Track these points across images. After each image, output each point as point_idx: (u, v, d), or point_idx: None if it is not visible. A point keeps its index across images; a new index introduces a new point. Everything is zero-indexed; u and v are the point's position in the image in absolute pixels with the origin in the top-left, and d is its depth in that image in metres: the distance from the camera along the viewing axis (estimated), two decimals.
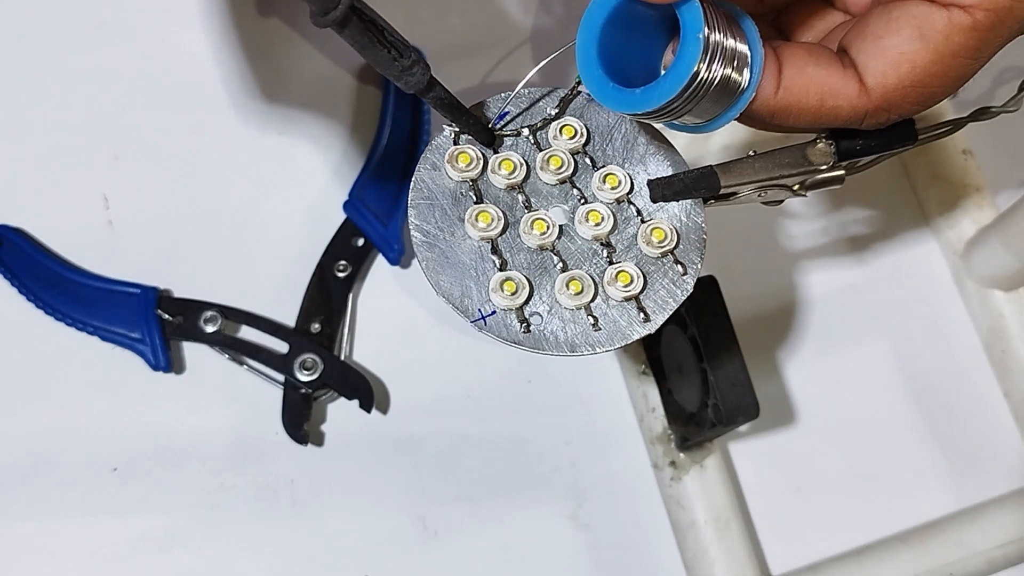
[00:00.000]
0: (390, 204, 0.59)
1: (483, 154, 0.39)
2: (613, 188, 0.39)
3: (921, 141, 0.37)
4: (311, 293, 0.58)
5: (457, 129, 0.39)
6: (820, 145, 0.37)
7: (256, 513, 0.55)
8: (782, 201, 0.39)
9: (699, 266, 0.38)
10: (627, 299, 0.37)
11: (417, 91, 0.36)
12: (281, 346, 0.57)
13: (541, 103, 0.40)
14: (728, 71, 0.33)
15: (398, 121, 0.60)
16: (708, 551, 0.54)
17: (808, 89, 0.34)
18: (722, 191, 0.37)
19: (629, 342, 0.37)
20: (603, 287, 0.37)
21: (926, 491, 0.60)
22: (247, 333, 0.57)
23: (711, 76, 0.33)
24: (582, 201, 0.39)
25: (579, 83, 0.40)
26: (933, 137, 0.38)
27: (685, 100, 0.33)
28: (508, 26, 0.65)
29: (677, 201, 0.38)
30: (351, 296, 0.59)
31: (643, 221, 0.39)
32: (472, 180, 0.39)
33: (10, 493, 0.54)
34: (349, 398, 0.56)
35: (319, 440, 0.57)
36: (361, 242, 0.59)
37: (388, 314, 0.59)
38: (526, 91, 0.40)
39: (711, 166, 0.37)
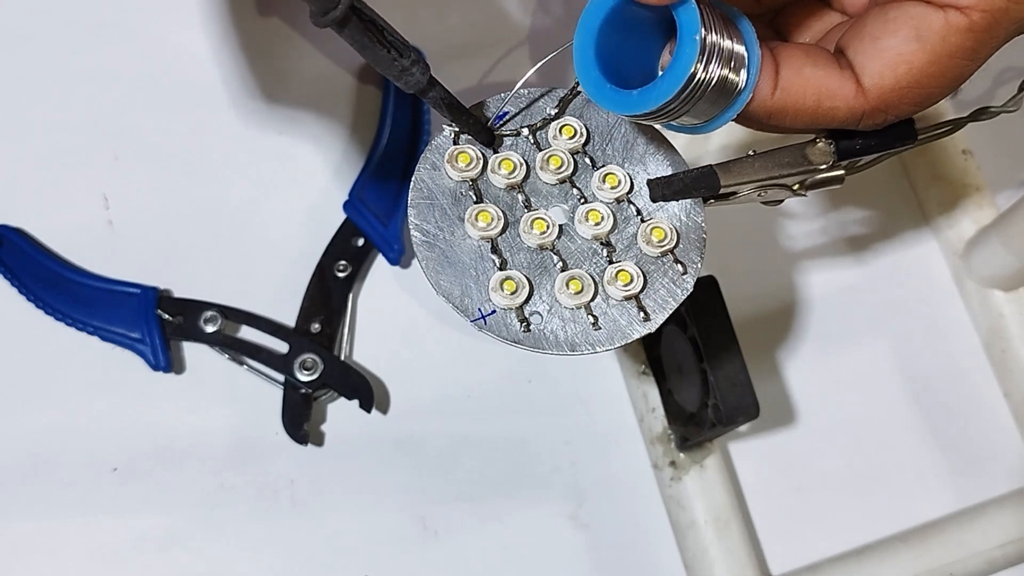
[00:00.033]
0: (390, 204, 0.59)
1: (483, 154, 0.39)
2: (613, 188, 0.39)
3: (921, 141, 0.37)
4: (311, 293, 0.58)
5: (457, 129, 0.39)
6: (820, 145, 0.37)
7: (256, 513, 0.55)
8: (782, 201, 0.39)
9: (699, 266, 0.38)
10: (627, 298, 0.37)
11: (417, 91, 0.36)
12: (281, 346, 0.57)
13: (540, 103, 0.40)
14: (725, 72, 0.33)
15: (398, 121, 0.60)
16: (708, 551, 0.54)
17: (805, 90, 0.34)
18: (722, 191, 0.37)
19: (629, 341, 0.37)
20: (603, 286, 0.37)
21: (926, 491, 0.60)
22: (247, 333, 0.57)
23: (708, 77, 0.33)
24: (582, 201, 0.39)
25: (579, 83, 0.40)
26: (933, 137, 0.38)
27: (682, 101, 0.33)
28: (507, 26, 0.65)
29: (677, 201, 0.38)
30: (351, 296, 0.59)
31: (643, 221, 0.39)
32: (472, 180, 0.39)
33: (10, 493, 0.54)
34: (349, 398, 0.56)
35: (319, 440, 0.57)
36: (361, 242, 0.59)
37: (388, 314, 0.59)
38: (525, 91, 0.40)
39: (711, 166, 0.37)
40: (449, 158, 0.39)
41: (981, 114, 0.39)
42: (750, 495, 0.58)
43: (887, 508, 0.59)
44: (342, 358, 0.57)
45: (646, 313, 0.37)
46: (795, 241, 0.64)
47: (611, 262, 0.38)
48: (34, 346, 0.56)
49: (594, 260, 0.38)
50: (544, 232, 0.38)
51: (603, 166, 0.39)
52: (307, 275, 0.58)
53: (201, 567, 0.54)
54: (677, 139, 0.40)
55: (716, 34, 0.32)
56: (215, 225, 0.60)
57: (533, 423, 0.58)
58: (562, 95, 0.40)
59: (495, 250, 0.38)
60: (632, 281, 0.37)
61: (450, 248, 0.38)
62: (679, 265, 0.38)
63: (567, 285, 0.37)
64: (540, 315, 0.37)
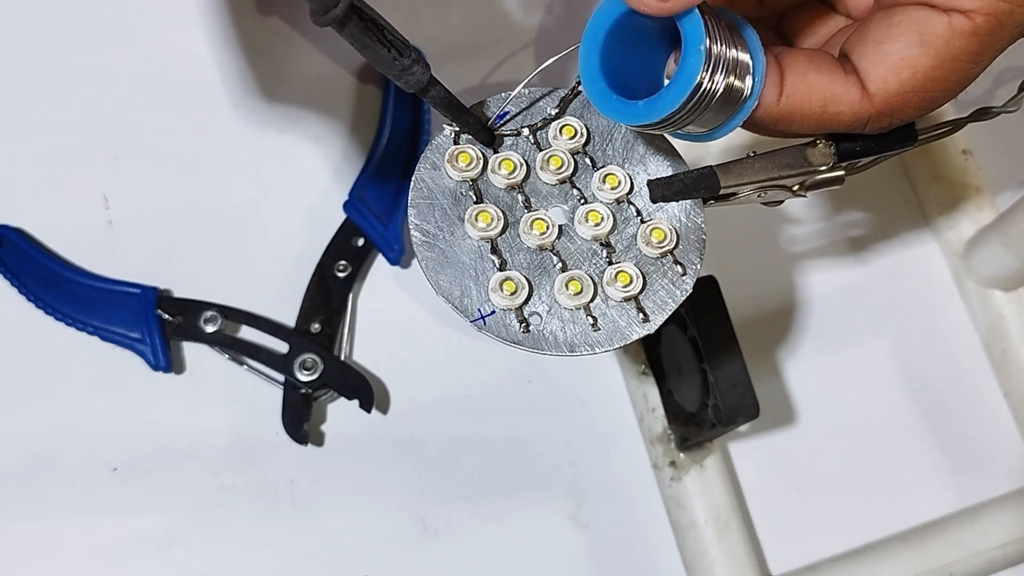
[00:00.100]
0: (390, 204, 0.59)
1: (483, 154, 0.39)
2: (613, 188, 0.39)
3: (921, 142, 0.37)
4: (311, 293, 0.58)
5: (457, 128, 0.39)
6: (820, 146, 0.37)
7: (256, 513, 0.55)
8: (782, 201, 0.39)
9: (698, 266, 0.38)
10: (626, 299, 0.37)
11: (417, 90, 0.36)
12: (281, 346, 0.57)
13: (541, 103, 0.40)
14: (730, 81, 0.33)
15: (398, 121, 0.60)
16: (708, 551, 0.54)
17: (810, 96, 0.34)
18: (722, 191, 0.37)
19: (628, 342, 0.37)
20: (602, 287, 0.37)
21: (926, 491, 0.60)
22: (247, 333, 0.57)
23: (714, 87, 0.33)
24: (582, 201, 0.39)
25: (579, 83, 0.40)
26: (933, 138, 0.38)
27: (688, 111, 0.33)
28: (507, 26, 0.65)
29: (677, 201, 0.38)
30: (351, 296, 0.59)
31: (643, 221, 0.39)
32: (472, 180, 0.39)
33: (10, 493, 0.54)
34: (349, 398, 0.56)
35: (319, 440, 0.57)
36: (361, 242, 0.59)
37: (388, 314, 0.59)
38: (526, 91, 0.40)
39: (711, 166, 0.37)
40: (449, 158, 0.39)
41: (981, 114, 0.39)
42: (750, 495, 0.58)
43: (887, 508, 0.59)
44: (342, 358, 0.57)
45: (645, 314, 0.37)
46: (795, 241, 0.64)
47: (611, 263, 0.38)
48: (34, 346, 0.56)
49: (594, 261, 0.38)
50: (544, 232, 0.38)
51: (603, 166, 0.39)
52: (307, 275, 0.58)
53: (201, 567, 0.54)
54: (677, 140, 0.40)
55: (721, 43, 0.32)
56: (215, 225, 0.60)
57: (533, 423, 0.58)
58: (563, 95, 0.40)
59: (495, 250, 0.38)
60: (631, 282, 0.37)
61: (450, 248, 0.38)
62: (678, 266, 0.38)
63: (566, 286, 0.37)
64: (539, 316, 0.37)
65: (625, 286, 0.37)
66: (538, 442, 0.58)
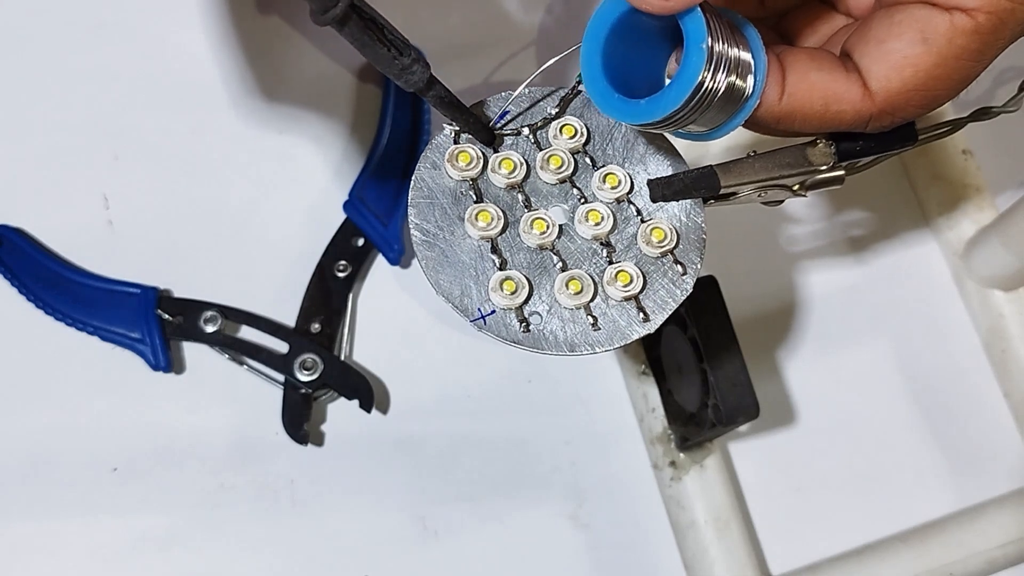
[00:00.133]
0: (390, 204, 0.59)
1: (483, 153, 0.39)
2: (613, 188, 0.39)
3: (921, 141, 0.37)
4: (311, 293, 0.58)
5: (457, 128, 0.39)
6: (820, 146, 0.37)
7: (256, 513, 0.55)
8: (782, 201, 0.39)
9: (699, 266, 0.38)
10: (626, 299, 0.37)
11: (417, 89, 0.36)
12: (281, 346, 0.57)
13: (541, 102, 0.40)
14: (732, 79, 0.33)
15: (398, 120, 0.60)
16: (708, 551, 0.54)
17: (812, 95, 0.34)
18: (722, 191, 0.37)
19: (628, 342, 0.37)
20: (603, 287, 0.37)
21: (926, 491, 0.60)
22: (247, 333, 0.57)
23: (715, 86, 0.33)
24: (582, 201, 0.39)
25: (579, 83, 0.40)
26: (933, 137, 0.38)
27: (690, 110, 0.33)
28: (508, 26, 0.65)
29: (677, 201, 0.38)
30: (351, 296, 0.59)
31: (643, 221, 0.38)
32: (472, 179, 0.39)
33: (10, 493, 0.54)
34: (349, 398, 0.56)
35: (319, 440, 0.57)
36: (361, 242, 0.59)
37: (388, 314, 0.59)
38: (526, 90, 0.40)
39: (711, 166, 0.37)
40: (449, 157, 0.39)
41: (981, 114, 0.39)
42: (750, 495, 0.58)
43: (887, 508, 0.59)
44: (342, 358, 0.57)
45: (645, 314, 0.37)
46: (795, 241, 0.64)
47: (611, 262, 0.38)
48: (34, 346, 0.56)
49: (594, 260, 0.38)
50: (544, 232, 0.38)
51: (603, 166, 0.39)
52: (307, 275, 0.58)
53: (201, 567, 0.54)
54: (678, 140, 0.40)
55: (722, 42, 0.32)
56: (215, 225, 0.60)
57: (533, 423, 0.58)
58: (563, 94, 0.40)
59: (495, 250, 0.38)
60: (632, 282, 0.37)
61: (450, 248, 0.38)
62: (679, 266, 0.38)
63: (567, 285, 0.37)
64: (540, 315, 0.37)
65: (625, 286, 0.37)
66: (538, 442, 0.58)
